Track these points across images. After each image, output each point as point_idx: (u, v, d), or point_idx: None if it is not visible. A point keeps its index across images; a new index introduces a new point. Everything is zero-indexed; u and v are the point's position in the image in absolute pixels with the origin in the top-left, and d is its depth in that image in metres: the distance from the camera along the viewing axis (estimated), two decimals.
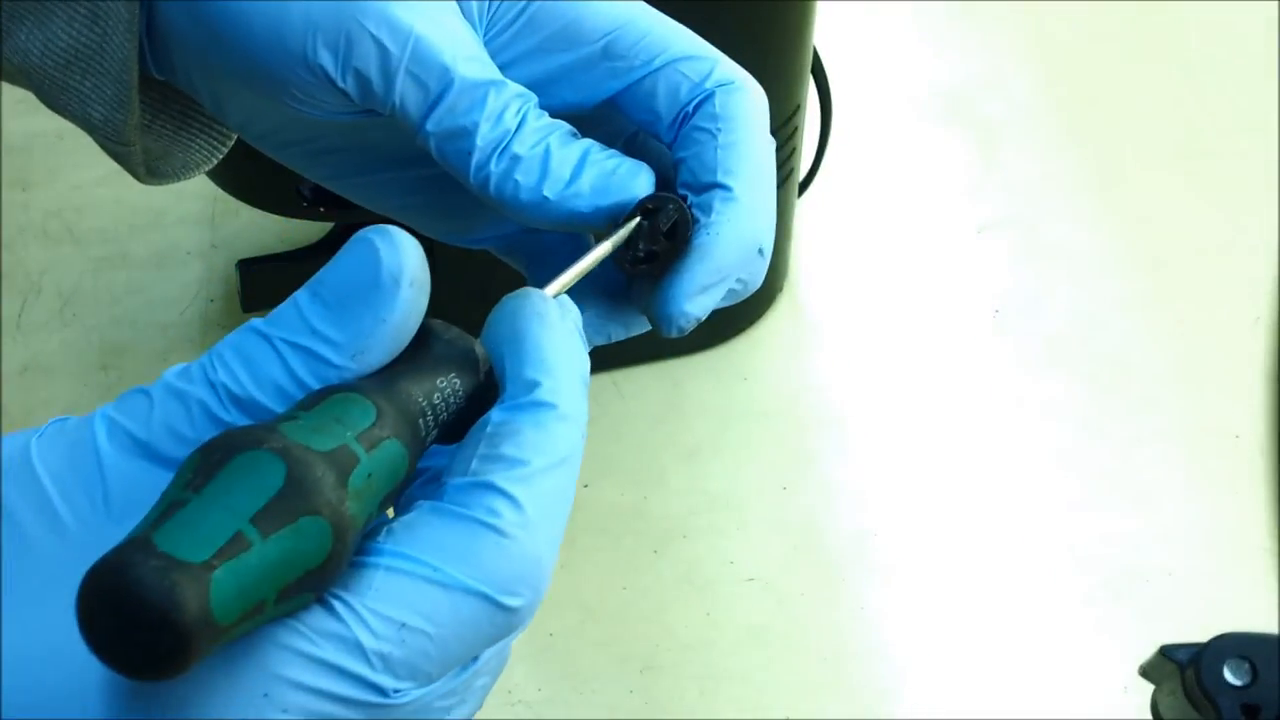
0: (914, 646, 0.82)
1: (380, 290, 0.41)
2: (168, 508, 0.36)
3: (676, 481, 0.88)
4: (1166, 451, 0.90)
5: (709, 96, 0.49)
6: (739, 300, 0.50)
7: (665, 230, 0.48)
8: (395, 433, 0.40)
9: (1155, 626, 0.82)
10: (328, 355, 0.41)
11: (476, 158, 0.48)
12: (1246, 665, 0.52)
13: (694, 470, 0.89)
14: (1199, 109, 1.07)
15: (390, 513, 0.41)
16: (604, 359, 0.89)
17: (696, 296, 0.48)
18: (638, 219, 0.48)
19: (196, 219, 0.99)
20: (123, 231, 0.99)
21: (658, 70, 0.49)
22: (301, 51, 0.47)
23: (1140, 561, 0.85)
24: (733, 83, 0.49)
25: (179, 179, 0.57)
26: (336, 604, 0.39)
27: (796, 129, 0.89)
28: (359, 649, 0.39)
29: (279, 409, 0.40)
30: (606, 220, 0.48)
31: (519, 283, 0.48)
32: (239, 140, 0.56)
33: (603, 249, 0.48)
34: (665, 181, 0.50)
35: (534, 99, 0.48)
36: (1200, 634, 0.53)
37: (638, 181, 0.48)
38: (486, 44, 0.49)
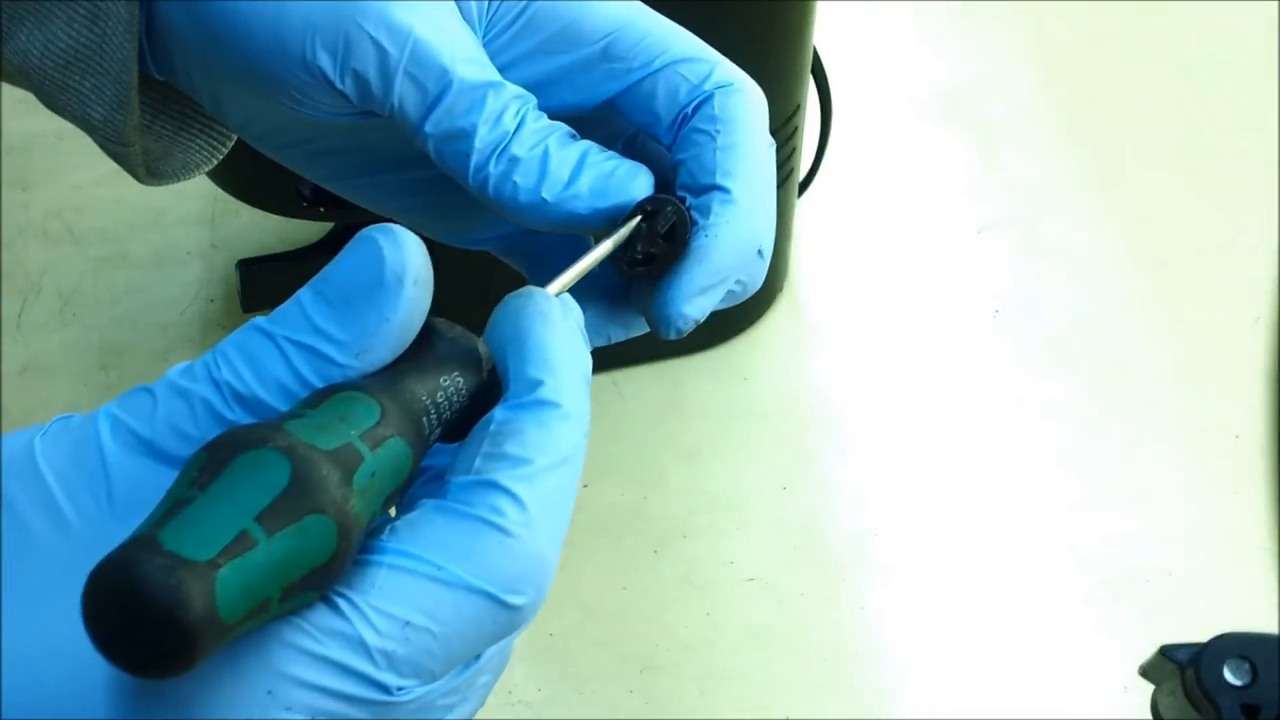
0: (914, 646, 0.82)
1: (384, 289, 0.41)
2: (173, 506, 0.36)
3: (676, 481, 0.88)
4: (1166, 451, 0.90)
5: (708, 98, 0.49)
6: (739, 301, 0.50)
7: (663, 232, 0.48)
8: (399, 431, 0.40)
9: (1155, 626, 0.82)
10: (331, 354, 0.41)
11: (475, 159, 0.48)
12: (1246, 665, 0.52)
13: (694, 470, 0.89)
14: (1199, 109, 1.07)
15: (392, 511, 0.41)
16: (604, 359, 0.89)
17: (695, 298, 0.48)
18: (639, 217, 0.48)
19: (196, 219, 0.99)
20: (123, 231, 0.99)
21: (657, 72, 0.49)
22: (300, 52, 0.47)
23: (1140, 561, 0.85)
24: (732, 84, 0.49)
25: (179, 179, 0.57)
26: (341, 602, 0.39)
27: (796, 129, 0.89)
28: (363, 647, 0.39)
29: (283, 407, 0.40)
30: (605, 222, 0.48)
31: (519, 283, 0.48)
32: (239, 140, 0.56)
33: (604, 247, 0.48)
34: (665, 183, 0.50)
35: (533, 100, 0.48)
36: (1200, 634, 0.53)
37: (636, 183, 0.48)
38: (486, 45, 0.49)
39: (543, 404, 0.42)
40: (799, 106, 0.89)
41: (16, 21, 0.49)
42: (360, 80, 0.47)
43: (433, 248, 0.48)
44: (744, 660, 0.81)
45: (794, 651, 0.82)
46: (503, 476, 0.41)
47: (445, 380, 0.42)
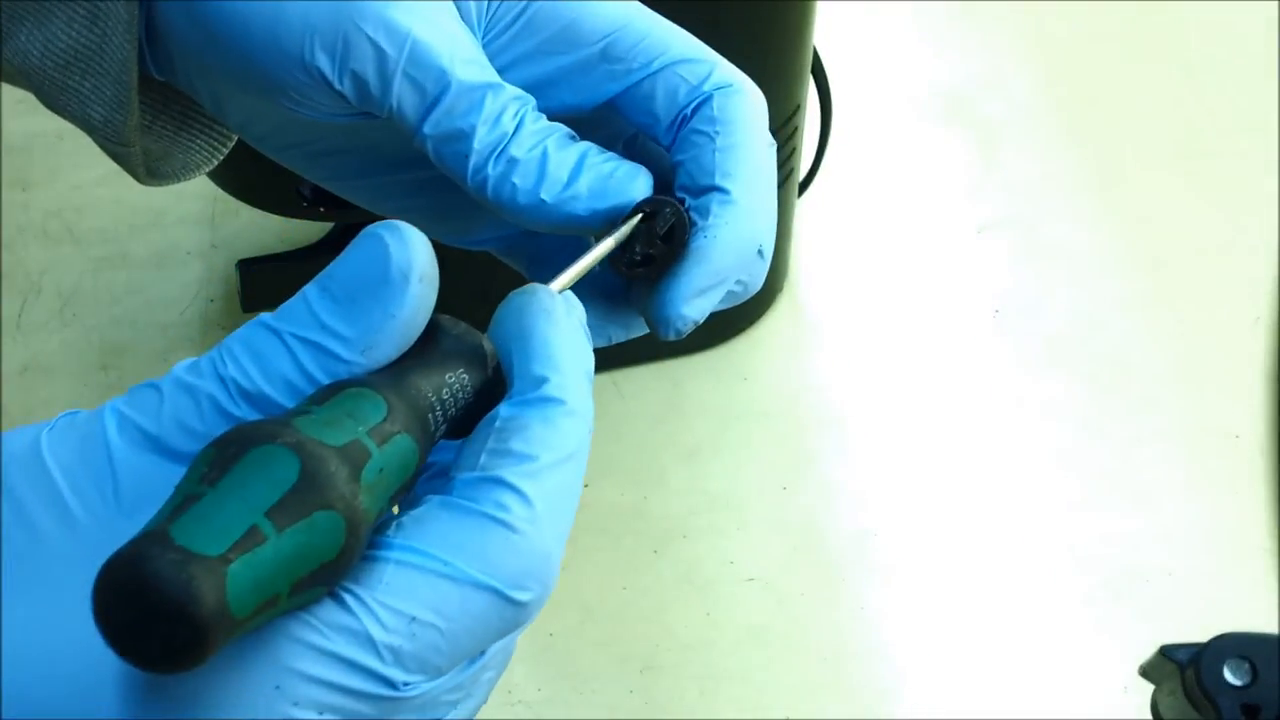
0: (914, 646, 0.82)
1: (390, 285, 0.41)
2: (183, 501, 0.37)
3: (676, 481, 0.88)
4: (1166, 451, 0.90)
5: (707, 99, 0.49)
6: (740, 301, 0.50)
7: (662, 234, 0.48)
8: (406, 428, 0.40)
9: (1155, 626, 0.82)
10: (337, 350, 0.41)
11: (474, 160, 0.48)
12: (1246, 665, 0.52)
13: (694, 470, 0.89)
14: (1199, 109, 1.07)
15: (394, 509, 0.41)
16: (604, 359, 0.89)
17: (694, 299, 0.48)
18: (639, 216, 0.48)
19: (196, 219, 0.99)
20: (123, 231, 0.99)
21: (656, 73, 0.49)
22: (299, 53, 0.47)
23: (1140, 561, 0.85)
24: (731, 85, 0.49)
25: (179, 180, 0.57)
26: (348, 597, 0.39)
27: (796, 129, 0.89)
28: (370, 642, 0.39)
29: (288, 403, 0.41)
30: (604, 223, 0.48)
31: (519, 282, 0.48)
32: (239, 140, 0.56)
33: (605, 245, 0.48)
34: (664, 184, 0.50)
35: (532, 101, 0.48)
36: (1200, 634, 0.53)
37: (636, 184, 0.48)
38: (485, 46, 0.49)
39: (548, 401, 0.42)
40: (799, 106, 0.89)
41: (16, 22, 0.49)
42: (359, 81, 0.47)
43: (434, 247, 0.48)
44: (744, 660, 0.81)
45: (794, 651, 0.82)
46: (508, 473, 0.41)
47: (451, 377, 0.42)
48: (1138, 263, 0.99)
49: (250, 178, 0.84)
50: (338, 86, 0.47)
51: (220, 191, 0.88)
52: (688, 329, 0.49)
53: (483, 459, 0.41)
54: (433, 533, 0.40)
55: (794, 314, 0.96)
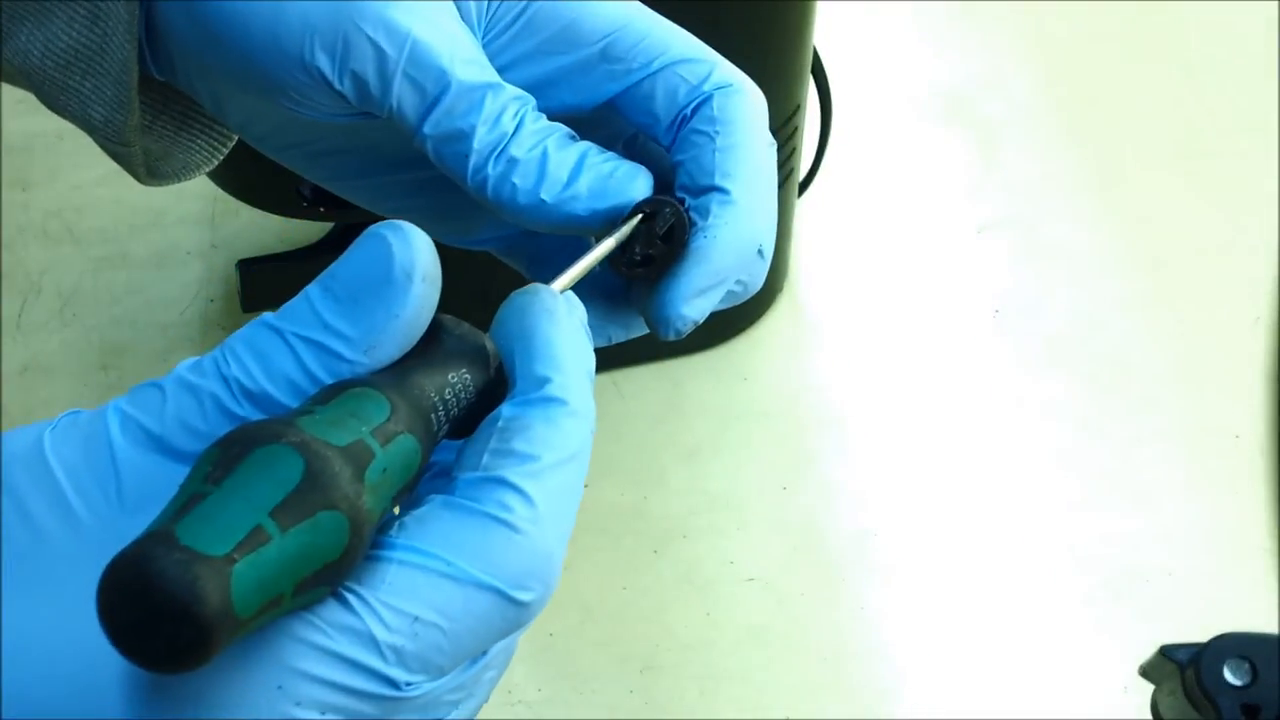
0: (914, 646, 0.82)
1: (393, 285, 0.41)
2: (188, 501, 0.37)
3: (676, 481, 0.88)
4: (1166, 451, 0.90)
5: (707, 99, 0.49)
6: (740, 301, 0.50)
7: (661, 234, 0.48)
8: (409, 428, 0.40)
9: (1155, 626, 0.82)
10: (340, 350, 0.41)
11: (474, 160, 0.48)
12: (1246, 665, 0.52)
13: (694, 470, 0.89)
14: (1199, 109, 1.07)
15: (395, 510, 0.41)
16: (604, 359, 0.89)
17: (693, 300, 0.48)
18: (639, 216, 0.48)
19: (196, 219, 0.99)
20: (123, 231, 0.99)
21: (656, 73, 0.49)
22: (299, 53, 0.47)
23: (1140, 561, 0.85)
24: (731, 85, 0.49)
25: (179, 180, 0.57)
26: (350, 597, 0.39)
27: (796, 129, 0.89)
28: (372, 642, 0.39)
29: (292, 403, 0.41)
30: (604, 223, 0.48)
31: (520, 283, 0.48)
32: (239, 140, 0.56)
33: (606, 245, 0.48)
34: (665, 184, 0.50)
35: (532, 101, 0.48)
36: (1200, 634, 0.53)
37: (635, 184, 0.48)
38: (485, 46, 0.49)
39: (550, 401, 0.42)
40: (799, 106, 0.89)
41: (17, 22, 0.49)
42: (359, 81, 0.47)
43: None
44: (744, 660, 0.81)
45: (794, 651, 0.82)
46: (511, 473, 0.41)
47: (453, 377, 0.42)
48: (1138, 263, 0.99)
49: (250, 178, 0.84)
50: (338, 86, 0.47)
51: (220, 191, 0.88)
52: (687, 329, 0.49)
53: (485, 459, 0.41)
54: (435, 533, 0.40)
55: (794, 314, 0.96)
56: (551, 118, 0.49)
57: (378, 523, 0.39)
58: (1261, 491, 0.87)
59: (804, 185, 0.96)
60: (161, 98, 0.54)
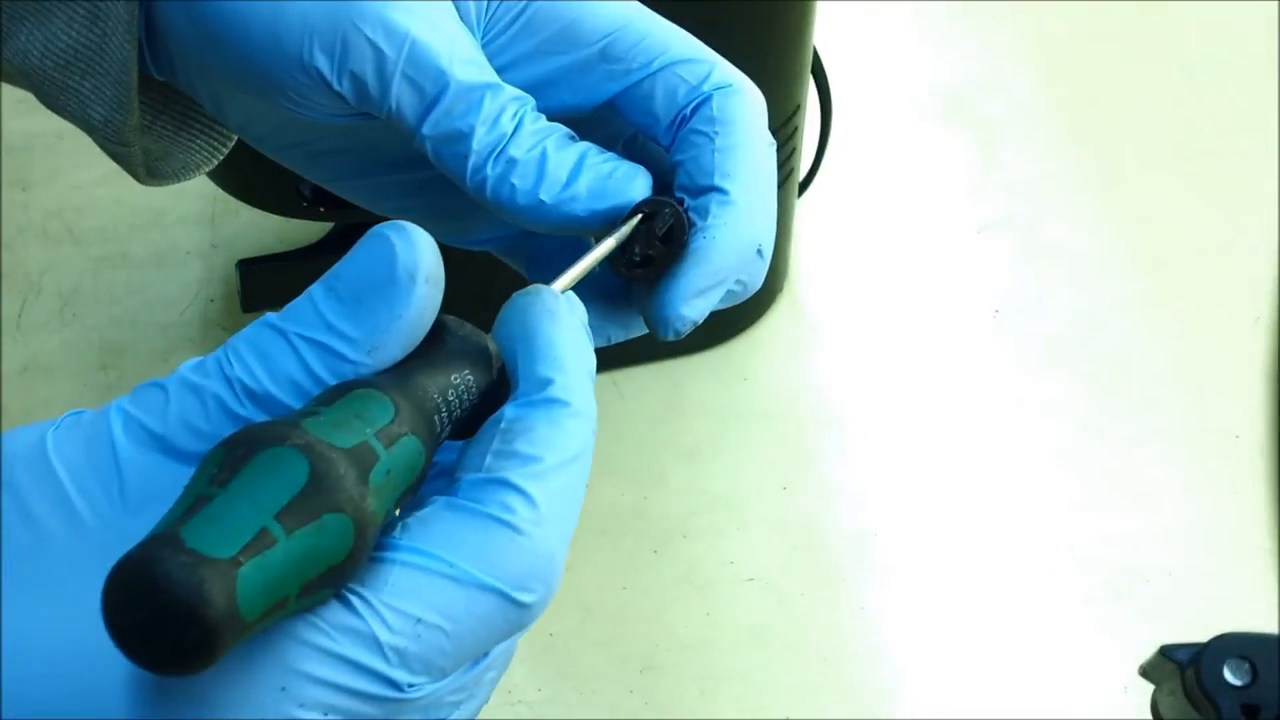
0: (914, 646, 0.82)
1: (396, 286, 0.41)
2: (194, 503, 0.37)
3: (676, 481, 0.88)
4: (1166, 451, 0.90)
5: (706, 99, 0.49)
6: (740, 301, 0.50)
7: (661, 234, 0.48)
8: (413, 429, 0.40)
9: (1155, 626, 0.82)
10: (343, 351, 0.41)
11: (473, 161, 0.48)
12: (1246, 665, 0.52)
13: (694, 470, 0.89)
14: (1199, 109, 1.07)
15: (397, 511, 0.41)
16: (604, 359, 0.89)
17: (693, 300, 0.48)
18: (639, 216, 0.48)
19: (196, 219, 0.99)
20: (123, 231, 0.99)
21: (655, 73, 0.49)
22: (298, 54, 0.47)
23: (1140, 561, 0.85)
24: (730, 85, 0.49)
25: (179, 180, 0.57)
26: (354, 599, 0.39)
27: (796, 129, 0.89)
28: (375, 644, 0.39)
29: (295, 404, 0.41)
30: (603, 224, 0.48)
31: (519, 282, 0.48)
32: (239, 140, 0.56)
33: (606, 245, 0.48)
34: (664, 185, 0.50)
35: (531, 102, 0.48)
36: (1200, 634, 0.53)
37: (635, 185, 0.48)
38: (484, 46, 0.49)
39: (553, 402, 0.42)
40: (799, 106, 0.89)
41: (16, 21, 0.49)
42: (358, 82, 0.47)
43: None
44: (744, 660, 0.81)
45: (794, 651, 0.82)
46: (514, 474, 0.41)
47: (456, 378, 0.42)
48: (1138, 263, 0.99)
49: (250, 178, 0.84)
50: (336, 87, 0.47)
51: (220, 191, 0.88)
52: (687, 329, 0.49)
53: (488, 460, 0.41)
54: (438, 534, 0.40)
55: (794, 314, 0.96)
56: (551, 118, 0.49)
57: (381, 525, 0.39)
58: (1261, 491, 0.87)
59: (804, 185, 0.96)
60: (161, 98, 0.54)
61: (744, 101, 0.49)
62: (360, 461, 0.38)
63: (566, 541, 0.42)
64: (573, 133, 0.49)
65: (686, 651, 0.81)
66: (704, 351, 0.94)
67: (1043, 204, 1.02)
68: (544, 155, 0.48)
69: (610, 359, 0.91)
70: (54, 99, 0.51)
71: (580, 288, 0.47)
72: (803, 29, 0.86)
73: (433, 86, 0.47)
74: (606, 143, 0.50)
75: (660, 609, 0.83)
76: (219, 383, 0.41)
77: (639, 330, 0.51)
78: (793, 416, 0.91)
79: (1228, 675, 0.52)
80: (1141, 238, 1.00)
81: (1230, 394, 0.91)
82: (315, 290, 0.41)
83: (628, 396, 0.92)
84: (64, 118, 0.52)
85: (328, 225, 0.90)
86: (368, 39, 0.47)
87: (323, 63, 0.47)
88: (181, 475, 0.39)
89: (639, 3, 0.50)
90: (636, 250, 0.48)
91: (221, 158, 0.57)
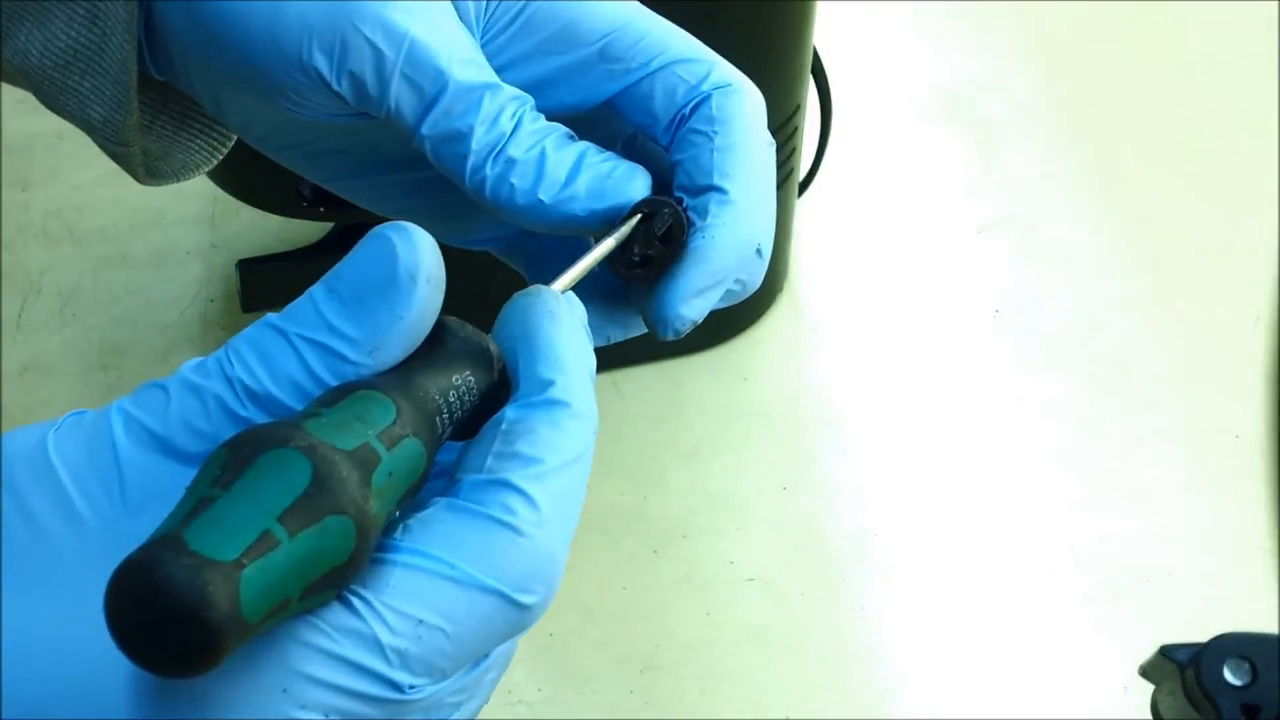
0: (914, 646, 0.82)
1: (397, 287, 0.41)
2: (196, 504, 0.37)
3: (676, 481, 0.88)
4: (1166, 451, 0.90)
5: (705, 99, 0.49)
6: (738, 300, 0.50)
7: (660, 234, 0.48)
8: (414, 431, 0.40)
9: (1155, 626, 0.82)
10: (344, 352, 0.41)
11: (472, 161, 0.48)
12: (1246, 665, 0.52)
13: (694, 470, 0.89)
14: (1199, 109, 1.07)
15: (398, 512, 0.41)
16: (604, 359, 0.89)
17: (692, 299, 0.48)
18: (639, 216, 0.48)
19: (196, 219, 0.99)
20: (123, 231, 0.99)
21: (655, 73, 0.49)
22: (297, 54, 0.47)
23: (1140, 561, 0.85)
24: (729, 85, 0.49)
25: (178, 179, 0.57)
26: (355, 601, 0.39)
27: (796, 129, 0.89)
28: (377, 645, 0.39)
29: (296, 404, 0.41)
30: (602, 223, 0.48)
31: (519, 283, 0.48)
32: (239, 140, 0.56)
33: (607, 245, 0.48)
34: (663, 184, 0.50)
35: (530, 101, 0.48)
36: (1200, 634, 0.53)
37: (634, 184, 0.48)
38: (483, 46, 0.49)
39: (554, 403, 0.42)
40: (799, 106, 0.89)
41: (16, 21, 0.49)
42: (357, 82, 0.47)
43: None
44: (744, 660, 0.81)
45: (794, 651, 0.82)
46: (515, 476, 0.41)
47: (457, 379, 0.42)
48: (1138, 263, 0.99)
49: (250, 178, 0.84)
50: (335, 87, 0.47)
51: (220, 191, 0.88)
52: (686, 329, 0.49)
53: (489, 461, 0.41)
54: (439, 535, 0.40)
55: (794, 314, 0.96)
56: (550, 118, 0.49)
57: (383, 526, 0.39)
58: (1261, 491, 0.87)
59: (804, 185, 0.96)
60: (161, 97, 0.54)
61: (743, 101, 0.49)
62: (362, 463, 0.38)
63: (567, 543, 0.42)
64: (572, 132, 0.49)
65: (686, 651, 0.81)
66: (704, 351, 0.94)
67: (1043, 204, 1.02)
68: (543, 155, 0.48)
69: (610, 359, 0.90)
70: (53, 99, 0.51)
71: (579, 287, 0.47)
72: (803, 29, 0.86)
73: (432, 86, 0.47)
74: (606, 142, 0.50)
75: (660, 609, 0.83)
76: (220, 383, 0.41)
77: (638, 330, 0.51)
78: (793, 416, 0.91)
79: (1228, 675, 0.52)
80: (1141, 238, 1.00)
81: (1230, 394, 0.91)
82: (316, 291, 0.41)
83: (628, 396, 0.92)
84: (63, 117, 0.52)
85: (328, 225, 0.90)
86: (366, 39, 0.47)
87: (322, 63, 0.47)
88: (182, 476, 0.39)
89: (638, 2, 0.50)
90: (635, 250, 0.48)
91: (221, 158, 0.57)
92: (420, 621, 0.39)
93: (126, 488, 0.40)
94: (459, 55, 0.47)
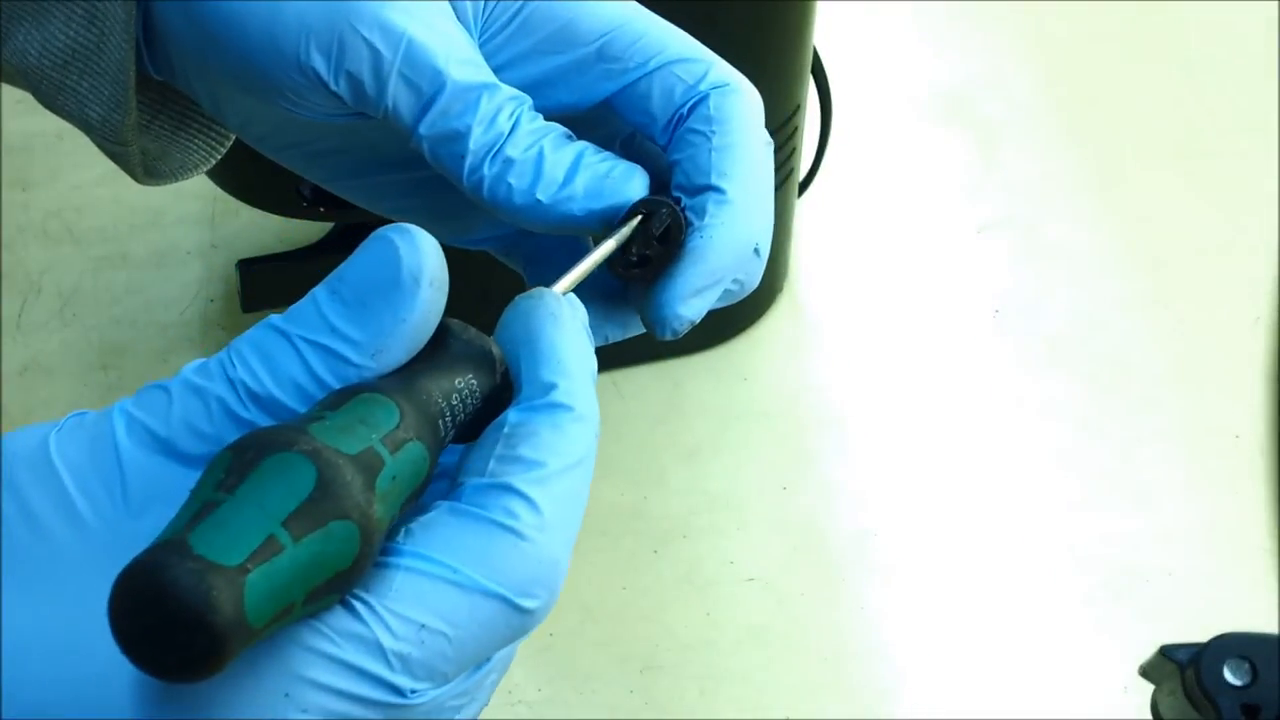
0: (914, 646, 0.82)
1: (400, 289, 0.41)
2: (201, 508, 0.36)
3: (676, 481, 0.88)
4: (1166, 451, 0.90)
5: (703, 99, 0.49)
6: (736, 300, 0.50)
7: (658, 234, 0.48)
8: (418, 434, 0.40)
9: (1155, 626, 0.82)
10: (347, 354, 0.41)
11: (470, 161, 0.48)
12: (1246, 665, 0.52)
13: (694, 470, 0.89)
14: (1199, 109, 1.07)
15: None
16: (604, 359, 0.89)
17: (690, 299, 0.48)
18: (638, 217, 0.48)
19: (196, 219, 0.99)
20: (123, 231, 0.99)
21: (652, 72, 0.49)
22: (295, 54, 0.47)
23: (1140, 561, 0.85)
24: (727, 85, 0.49)
25: (177, 179, 0.57)
26: (358, 605, 0.39)
27: (796, 129, 0.89)
28: (379, 649, 0.39)
29: (298, 407, 0.40)
30: (600, 223, 0.48)
31: (518, 283, 0.48)
32: (239, 140, 0.56)
33: (607, 246, 0.48)
34: (661, 184, 0.50)
35: (528, 101, 0.48)
36: (1200, 634, 0.53)
37: (632, 184, 0.48)
38: (481, 46, 0.49)
39: (556, 407, 0.42)
40: (799, 106, 0.89)
41: (14, 21, 0.49)
42: (354, 82, 0.47)
43: None
44: (744, 660, 0.81)
45: (794, 651, 0.82)
46: (517, 480, 0.41)
47: (460, 382, 0.42)
48: (1138, 263, 0.99)
49: (250, 178, 0.84)
50: (333, 87, 0.47)
51: (220, 191, 0.88)
52: (684, 329, 0.49)
53: (491, 465, 0.41)
54: (442, 539, 0.40)
55: (794, 314, 0.96)
56: (548, 117, 0.49)
57: (386, 530, 0.39)
58: (1261, 491, 0.87)
59: (804, 185, 0.96)
60: (160, 97, 0.54)
61: (741, 101, 0.49)
62: (366, 467, 0.38)
63: (570, 547, 0.42)
64: (570, 132, 0.49)
65: (686, 651, 0.81)
66: (704, 351, 0.94)
67: (1043, 204, 1.02)
68: (541, 155, 0.48)
69: (610, 359, 0.90)
70: (52, 99, 0.51)
71: (578, 287, 0.47)
72: (803, 29, 0.86)
73: (429, 86, 0.47)
74: (604, 142, 0.50)
75: (660, 609, 0.83)
76: (222, 385, 0.40)
77: (636, 330, 0.51)
78: (793, 416, 0.91)
79: (1228, 675, 0.52)
80: (1141, 238, 1.00)
81: (1230, 394, 0.91)
82: (319, 292, 0.41)
83: (628, 396, 0.92)
84: (62, 117, 0.52)
85: (328, 225, 0.90)
86: (364, 39, 0.47)
87: (319, 63, 0.47)
88: (184, 477, 0.39)
89: (636, 2, 0.50)
90: (634, 250, 0.48)
91: (219, 157, 0.57)
92: (422, 626, 0.39)
93: (128, 489, 0.40)
94: (456, 55, 0.47)
